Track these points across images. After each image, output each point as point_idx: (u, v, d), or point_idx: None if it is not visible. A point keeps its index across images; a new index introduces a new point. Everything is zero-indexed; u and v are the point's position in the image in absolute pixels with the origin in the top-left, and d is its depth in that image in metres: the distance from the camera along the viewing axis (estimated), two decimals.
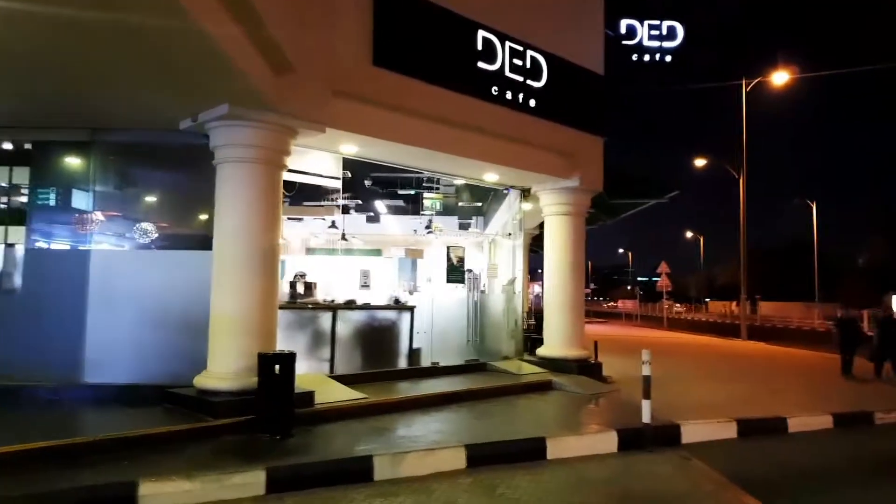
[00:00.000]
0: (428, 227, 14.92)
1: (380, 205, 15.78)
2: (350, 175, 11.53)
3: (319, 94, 8.06)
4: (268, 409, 7.08)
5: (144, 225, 8.90)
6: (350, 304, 10.05)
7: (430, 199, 12.49)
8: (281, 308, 9.32)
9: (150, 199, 9.27)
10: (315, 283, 10.19)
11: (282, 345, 8.97)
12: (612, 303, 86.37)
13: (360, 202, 15.32)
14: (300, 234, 16.15)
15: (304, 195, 15.17)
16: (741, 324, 26.85)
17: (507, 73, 10.28)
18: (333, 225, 16.09)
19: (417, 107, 9.17)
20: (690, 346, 21.74)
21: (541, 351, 12.09)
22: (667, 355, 17.06)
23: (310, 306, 9.74)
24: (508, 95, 10.34)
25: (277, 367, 7.09)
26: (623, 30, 12.97)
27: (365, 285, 10.55)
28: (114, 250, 8.95)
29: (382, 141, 9.06)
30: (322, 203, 14.32)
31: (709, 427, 8.23)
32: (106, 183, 8.96)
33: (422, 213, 13.46)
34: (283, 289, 9.70)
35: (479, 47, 9.92)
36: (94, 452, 6.06)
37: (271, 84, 7.45)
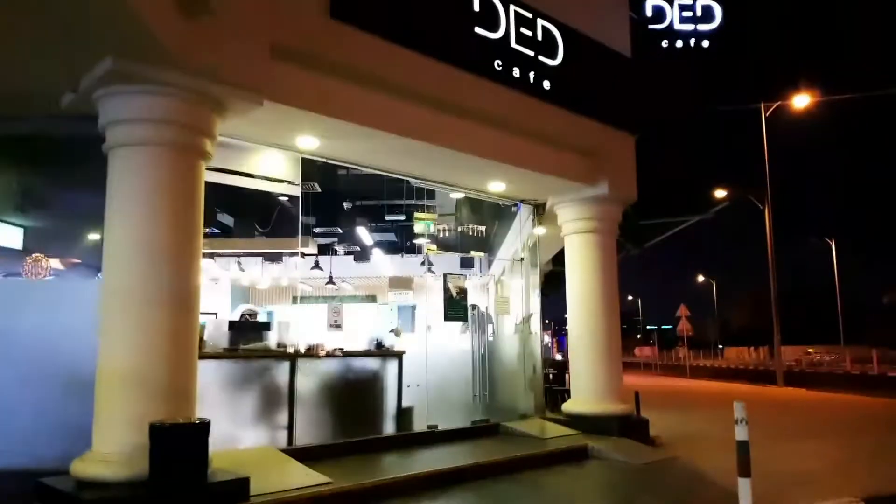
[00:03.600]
0: (423, 263, 12.47)
1: (363, 233, 13.32)
2: (318, 188, 9.14)
3: (253, 50, 5.77)
4: None
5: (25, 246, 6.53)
6: (314, 351, 7.51)
7: (423, 221, 10.04)
8: (217, 357, 6.92)
9: (33, 210, 6.89)
10: (268, 324, 7.72)
11: (217, 409, 6.54)
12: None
13: (340, 231, 12.94)
14: (273, 275, 13.75)
15: (282, 231, 12.87)
16: (777, 370, 24.38)
17: (514, 45, 7.98)
18: (317, 266, 13.79)
19: (393, 79, 6.85)
20: (730, 396, 18.94)
21: (568, 406, 9.47)
22: (712, 408, 14.54)
23: (258, 354, 7.22)
24: (516, 73, 8.00)
25: (180, 443, 4.59)
26: (649, 12, 10.78)
27: (336, 325, 8.04)
28: None
29: (349, 126, 6.71)
30: (292, 237, 11.89)
31: None
32: None
33: (414, 241, 11.06)
34: (222, 330, 7.20)
35: (477, 7, 7.67)
36: None
37: (177, 28, 5.16)
